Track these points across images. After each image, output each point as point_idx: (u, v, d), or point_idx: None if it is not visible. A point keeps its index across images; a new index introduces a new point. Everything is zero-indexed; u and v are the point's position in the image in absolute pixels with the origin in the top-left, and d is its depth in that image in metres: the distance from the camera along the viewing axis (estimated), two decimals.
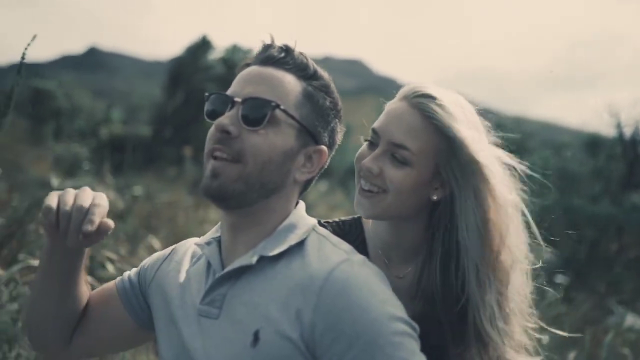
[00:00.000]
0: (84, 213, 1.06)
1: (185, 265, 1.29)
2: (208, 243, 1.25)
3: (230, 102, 1.16)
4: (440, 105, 1.29)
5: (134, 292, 1.33)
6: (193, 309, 1.18)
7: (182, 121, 14.87)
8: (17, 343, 2.51)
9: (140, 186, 9.53)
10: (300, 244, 1.16)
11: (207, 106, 1.20)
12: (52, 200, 1.08)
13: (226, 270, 1.16)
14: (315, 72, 1.22)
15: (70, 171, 9.35)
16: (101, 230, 1.07)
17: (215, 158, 1.14)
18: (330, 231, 1.37)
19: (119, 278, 1.37)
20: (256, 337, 1.07)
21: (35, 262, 3.38)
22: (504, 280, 1.28)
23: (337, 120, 1.26)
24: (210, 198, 1.15)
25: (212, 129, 1.17)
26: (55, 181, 7.03)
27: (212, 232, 1.29)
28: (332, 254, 1.13)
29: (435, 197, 1.32)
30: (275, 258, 1.14)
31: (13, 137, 10.09)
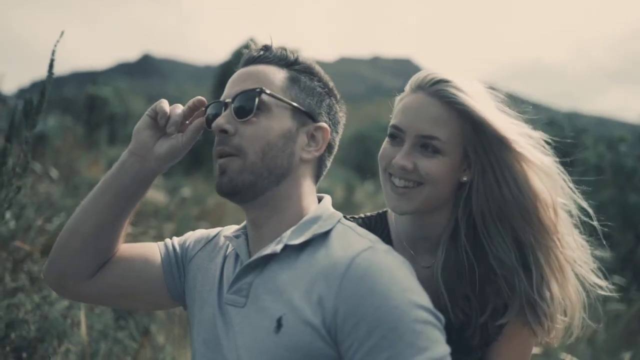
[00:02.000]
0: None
1: (223, 253, 1.32)
2: (237, 236, 1.28)
3: (223, 104, 1.23)
4: (457, 88, 1.29)
5: (176, 262, 1.35)
6: (222, 297, 1.22)
7: None
8: (67, 338, 2.60)
9: (189, 188, 9.73)
10: (326, 234, 1.18)
11: (207, 116, 1.27)
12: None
13: (252, 259, 1.19)
14: (296, 58, 1.27)
15: None
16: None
17: (220, 157, 1.20)
18: None
19: (161, 243, 1.39)
20: (279, 324, 1.08)
21: None
22: (554, 235, 1.29)
23: (332, 98, 1.31)
24: (224, 195, 1.20)
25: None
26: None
27: (241, 227, 1.32)
28: (356, 242, 1.15)
29: (465, 179, 1.33)
30: (300, 247, 1.16)
31: (69, 142, 10.47)
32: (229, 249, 1.31)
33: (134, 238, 4.71)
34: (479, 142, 1.28)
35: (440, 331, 1.06)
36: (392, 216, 1.47)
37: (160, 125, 1.26)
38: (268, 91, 1.20)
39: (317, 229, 1.18)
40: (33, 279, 2.86)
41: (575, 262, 1.33)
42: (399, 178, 1.32)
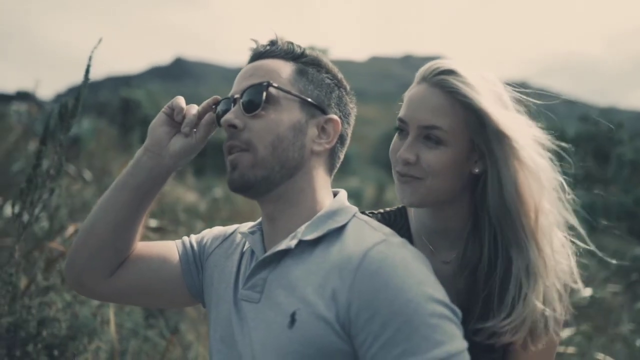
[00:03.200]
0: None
1: (240, 250, 1.32)
2: (252, 232, 1.28)
3: (232, 100, 1.22)
4: (460, 79, 1.26)
5: (194, 259, 1.35)
6: (237, 293, 1.22)
7: None
8: (97, 337, 2.64)
9: (220, 188, 9.82)
10: (340, 229, 1.17)
11: (217, 113, 1.27)
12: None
13: (266, 254, 1.18)
14: (303, 51, 1.26)
15: None
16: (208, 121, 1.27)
17: (230, 153, 1.20)
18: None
19: (179, 241, 1.39)
20: (293, 319, 1.08)
21: None
22: (540, 245, 1.23)
23: (341, 90, 1.29)
24: (237, 190, 1.20)
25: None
26: None
27: (257, 223, 1.32)
28: (369, 235, 1.13)
29: (477, 170, 1.29)
30: (314, 242, 1.15)
31: (103, 144, 10.67)
32: (246, 246, 1.31)
33: (162, 236, 4.78)
34: (484, 133, 1.25)
35: (456, 325, 1.03)
36: (411, 211, 1.44)
37: (176, 121, 1.27)
38: (275, 84, 1.19)
39: (331, 224, 1.17)
40: (65, 278, 2.91)
41: (554, 279, 1.25)
42: (402, 172, 1.30)
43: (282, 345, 1.07)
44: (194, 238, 1.40)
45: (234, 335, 1.18)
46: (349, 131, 1.31)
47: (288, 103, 1.20)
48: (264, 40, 1.28)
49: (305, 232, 1.16)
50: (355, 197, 10.44)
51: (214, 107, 1.28)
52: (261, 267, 1.19)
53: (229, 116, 1.19)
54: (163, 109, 1.29)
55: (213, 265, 1.33)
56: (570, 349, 3.51)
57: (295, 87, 1.21)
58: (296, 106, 1.20)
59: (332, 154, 1.27)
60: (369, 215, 1.41)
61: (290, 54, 1.25)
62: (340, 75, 1.30)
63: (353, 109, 1.32)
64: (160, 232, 5.00)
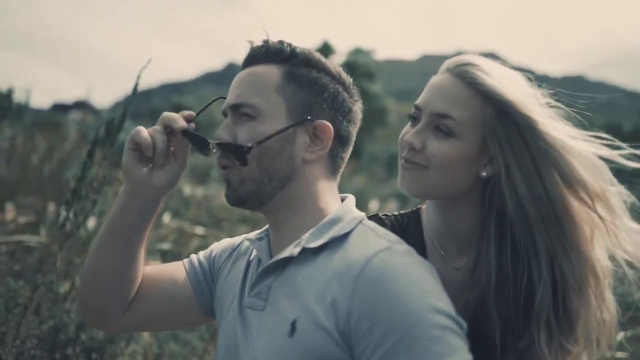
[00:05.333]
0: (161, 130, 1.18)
1: (247, 258, 1.31)
2: (259, 238, 1.26)
3: (225, 113, 1.23)
4: (483, 71, 1.21)
5: (204, 277, 1.35)
6: (243, 301, 1.21)
7: None
8: (134, 340, 2.70)
9: None
10: (345, 236, 1.13)
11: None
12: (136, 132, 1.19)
13: (270, 262, 1.17)
14: (292, 51, 1.20)
15: (202, 179, 9.95)
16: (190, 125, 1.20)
17: (222, 168, 1.19)
18: (389, 224, 1.34)
19: (187, 260, 1.38)
20: (293, 327, 1.05)
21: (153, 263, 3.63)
22: (585, 253, 1.15)
23: (337, 86, 1.21)
24: (233, 205, 1.20)
25: None
26: (187, 189, 7.52)
27: (264, 230, 1.30)
28: (373, 242, 1.09)
29: (484, 174, 1.23)
30: (318, 250, 1.13)
31: None
32: (253, 254, 1.30)
33: (203, 240, 4.85)
34: (503, 131, 1.18)
35: (461, 338, 0.98)
36: (424, 213, 1.39)
37: (148, 155, 1.18)
38: (256, 99, 1.16)
39: (336, 231, 1.13)
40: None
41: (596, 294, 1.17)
42: (406, 158, 1.26)
43: (283, 353, 1.06)
44: (202, 254, 1.40)
45: (238, 344, 1.17)
46: (352, 128, 1.24)
47: (274, 113, 1.16)
48: (259, 41, 1.23)
49: (309, 239, 1.13)
50: (399, 197, 10.32)
51: (189, 124, 1.22)
52: (266, 274, 1.17)
53: (220, 134, 1.18)
54: (128, 145, 1.19)
55: (223, 277, 1.32)
56: (621, 354, 3.34)
57: (282, 94, 1.16)
58: (282, 115, 1.16)
59: (331, 157, 1.21)
60: (382, 218, 1.38)
61: (279, 56, 1.19)
62: (336, 70, 1.22)
63: (355, 104, 1.24)
64: (207, 238, 5.08)
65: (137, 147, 1.18)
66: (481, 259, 1.23)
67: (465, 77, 1.21)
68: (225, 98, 1.25)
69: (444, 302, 1.01)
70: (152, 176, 1.20)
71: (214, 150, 1.17)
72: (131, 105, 2.38)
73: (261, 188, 1.15)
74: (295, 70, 1.19)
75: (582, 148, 1.19)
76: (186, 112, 1.24)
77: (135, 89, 2.21)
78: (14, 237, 3.35)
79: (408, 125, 1.30)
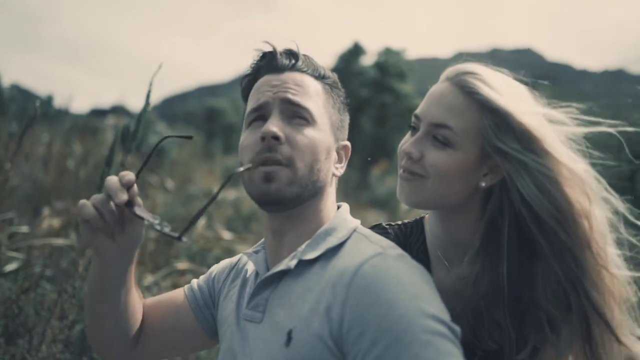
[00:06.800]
0: (113, 189, 1.07)
1: (244, 274, 1.32)
2: (256, 251, 1.28)
3: (269, 108, 1.18)
4: (481, 80, 1.18)
5: (204, 301, 1.37)
6: (240, 315, 1.22)
7: None
8: None
9: None
10: (339, 246, 1.14)
11: (253, 112, 1.21)
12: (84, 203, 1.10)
13: (267, 274, 1.18)
14: (325, 71, 1.25)
15: (235, 183, 10.03)
16: (132, 194, 1.08)
17: (266, 164, 1.14)
18: (392, 234, 1.33)
19: (187, 287, 1.41)
20: (289, 337, 1.06)
21: (181, 266, 3.68)
22: (594, 259, 1.12)
23: (348, 111, 1.30)
24: (268, 202, 1.16)
25: (255, 137, 1.17)
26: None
27: (260, 243, 1.31)
28: (366, 249, 1.10)
29: (484, 184, 1.20)
30: (313, 260, 1.13)
31: (187, 153, 11.09)
32: (250, 270, 1.31)
33: (230, 244, 4.89)
34: (501, 139, 1.15)
35: (453, 343, 0.96)
36: (427, 222, 1.37)
37: (100, 227, 1.10)
38: (316, 107, 1.19)
39: (330, 242, 1.14)
40: None
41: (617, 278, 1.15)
42: (405, 167, 1.24)
43: None
44: (202, 278, 1.42)
45: (236, 357, 1.17)
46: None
47: (324, 125, 1.19)
48: (279, 47, 1.24)
49: (305, 250, 1.14)
50: None
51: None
52: (263, 286, 1.18)
53: (273, 128, 1.13)
54: (79, 221, 1.12)
55: (223, 298, 1.33)
56: None
57: (327, 109, 1.21)
58: (328, 129, 1.20)
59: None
60: (386, 227, 1.37)
61: (316, 72, 1.23)
62: (348, 99, 1.30)
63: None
64: (234, 242, 5.12)
65: (88, 221, 1.09)
66: (482, 269, 1.21)
67: (464, 86, 1.19)
68: (176, 136, 1.19)
69: (436, 307, 0.99)
70: (115, 241, 1.14)
71: (157, 227, 1.04)
72: (145, 112, 2.38)
73: (304, 193, 1.15)
74: (330, 90, 1.24)
75: (574, 165, 1.15)
76: (127, 178, 1.08)
77: (148, 96, 2.20)
78: (44, 240, 3.43)
79: (408, 135, 1.28)
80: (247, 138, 1.18)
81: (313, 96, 1.18)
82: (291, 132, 1.14)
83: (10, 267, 2.95)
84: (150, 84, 2.20)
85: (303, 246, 1.15)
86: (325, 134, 1.18)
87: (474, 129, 1.18)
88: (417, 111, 1.26)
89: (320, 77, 1.23)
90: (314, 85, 1.20)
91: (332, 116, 1.21)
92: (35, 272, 2.96)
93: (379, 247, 1.10)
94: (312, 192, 1.17)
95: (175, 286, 3.41)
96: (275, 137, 1.13)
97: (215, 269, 1.42)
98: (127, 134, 2.37)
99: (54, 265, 3.30)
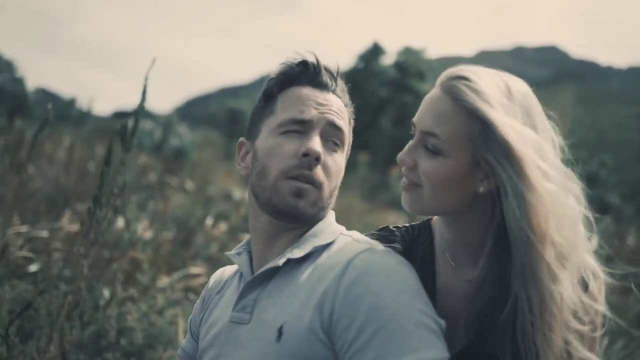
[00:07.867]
0: None
1: (219, 287, 1.36)
2: (239, 253, 1.30)
3: (312, 126, 1.20)
4: (470, 86, 1.14)
5: (195, 354, 1.37)
6: (227, 319, 1.22)
7: (359, 127, 15.30)
8: (172, 346, 2.77)
9: None
10: (327, 246, 1.18)
11: (295, 123, 1.22)
12: None
13: (255, 274, 1.20)
14: (349, 98, 1.31)
15: None
16: None
17: (298, 179, 1.17)
18: (399, 236, 1.34)
19: (179, 350, 1.44)
20: (280, 332, 1.08)
21: (195, 270, 3.71)
22: (548, 280, 1.10)
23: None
24: (288, 215, 1.18)
25: (292, 149, 1.18)
26: (236, 194, 7.65)
27: (243, 244, 1.34)
28: (354, 246, 1.14)
29: (481, 190, 1.17)
30: (302, 259, 1.17)
31: (208, 155, 11.20)
32: (231, 276, 1.35)
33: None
34: (489, 147, 1.12)
35: (436, 335, 1.00)
36: (436, 224, 1.36)
37: None
38: (347, 134, 1.26)
39: (317, 242, 1.18)
40: (143, 288, 3.08)
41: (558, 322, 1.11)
42: (404, 174, 1.24)
43: (270, 359, 1.08)
44: (188, 334, 1.43)
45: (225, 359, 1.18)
46: None
47: (346, 152, 1.29)
48: (321, 60, 1.28)
49: (293, 251, 1.17)
50: None
51: None
52: (251, 287, 1.20)
53: (319, 149, 1.18)
54: None
55: (208, 314, 1.34)
56: None
57: (349, 134, 1.28)
58: (343, 154, 1.27)
59: None
60: (393, 230, 1.37)
61: (345, 98, 1.29)
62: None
63: None
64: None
65: None
66: (489, 273, 1.20)
67: (451, 92, 1.16)
68: None
69: (421, 301, 1.04)
70: None
71: None
72: (142, 110, 2.36)
73: (320, 213, 1.22)
74: (351, 117, 1.31)
75: (552, 191, 1.13)
76: None
77: (144, 92, 2.20)
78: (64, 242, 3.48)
79: (410, 142, 1.27)
80: (281, 146, 1.19)
81: (347, 124, 1.26)
82: (325, 156, 1.20)
83: (32, 268, 3.01)
84: (146, 79, 2.20)
85: (290, 247, 1.18)
86: (342, 159, 1.26)
87: (462, 136, 1.15)
88: (414, 118, 1.24)
89: (347, 105, 1.29)
90: (347, 114, 1.28)
91: (348, 140, 1.28)
92: (53, 274, 3.01)
93: (367, 244, 1.15)
94: (325, 211, 1.23)
95: (189, 289, 3.44)
96: (318, 159, 1.17)
97: (195, 308, 1.43)
98: (125, 132, 2.38)
99: (73, 267, 3.36)
